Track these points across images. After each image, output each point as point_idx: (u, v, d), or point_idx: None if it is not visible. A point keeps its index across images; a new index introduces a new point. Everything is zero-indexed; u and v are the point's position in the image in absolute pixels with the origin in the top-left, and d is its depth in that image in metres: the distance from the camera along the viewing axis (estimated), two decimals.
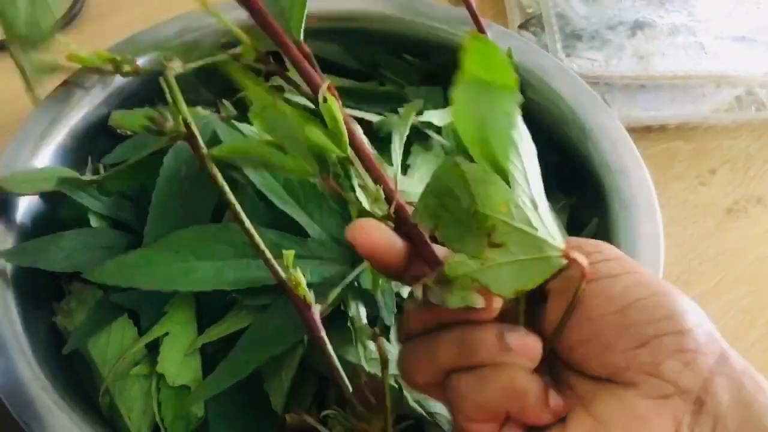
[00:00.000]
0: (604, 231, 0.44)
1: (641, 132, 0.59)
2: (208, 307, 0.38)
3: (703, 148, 0.60)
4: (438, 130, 0.48)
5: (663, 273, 0.41)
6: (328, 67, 0.47)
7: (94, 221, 0.41)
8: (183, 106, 0.39)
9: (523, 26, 0.61)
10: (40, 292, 0.41)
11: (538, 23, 0.61)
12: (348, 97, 0.50)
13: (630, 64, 0.56)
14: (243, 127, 0.44)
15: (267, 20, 0.31)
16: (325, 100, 0.30)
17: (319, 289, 0.36)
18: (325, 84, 0.31)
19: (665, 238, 0.42)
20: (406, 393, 0.36)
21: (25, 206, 0.43)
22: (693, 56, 0.57)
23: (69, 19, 0.67)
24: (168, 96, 0.40)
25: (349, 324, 0.37)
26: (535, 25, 0.61)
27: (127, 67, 0.41)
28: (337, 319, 0.36)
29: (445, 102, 0.52)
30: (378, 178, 0.31)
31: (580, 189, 0.47)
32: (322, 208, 0.40)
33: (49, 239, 0.40)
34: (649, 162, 0.46)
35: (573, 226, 0.47)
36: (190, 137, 0.39)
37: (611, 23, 0.58)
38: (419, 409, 0.36)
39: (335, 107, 0.31)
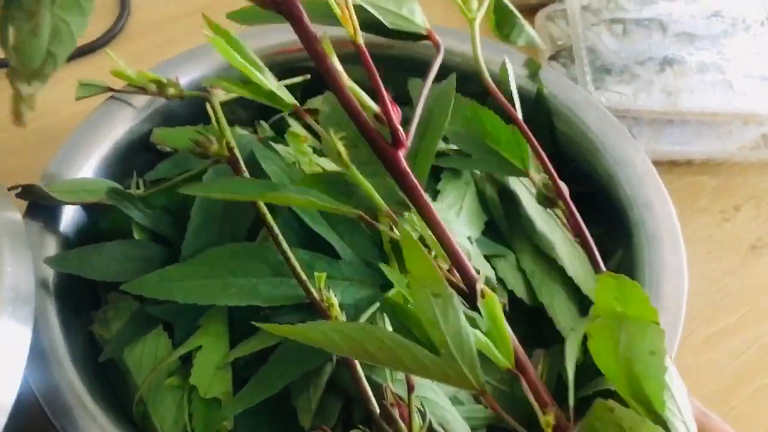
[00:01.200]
0: (629, 263, 0.44)
1: (667, 166, 0.60)
2: (241, 322, 0.39)
3: (728, 184, 0.61)
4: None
5: (686, 307, 0.42)
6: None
7: (137, 233, 0.42)
8: (227, 131, 0.41)
9: (553, 58, 0.63)
10: (79, 301, 0.43)
11: (568, 55, 0.62)
12: None
13: (658, 99, 0.57)
14: (279, 148, 0.45)
15: None
16: (483, 295, 0.28)
17: (350, 310, 0.38)
18: (481, 280, 0.29)
19: (688, 272, 0.43)
20: (429, 416, 0.36)
21: (68, 216, 0.45)
22: (721, 94, 0.58)
23: (110, 37, 0.69)
24: (213, 120, 0.42)
25: None
26: (565, 57, 0.62)
27: (171, 90, 0.43)
28: None
29: None
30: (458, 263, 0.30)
31: (605, 220, 0.48)
32: (353, 231, 0.41)
33: (92, 248, 0.41)
34: (674, 196, 0.46)
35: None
36: (233, 161, 0.41)
37: (640, 59, 0.59)
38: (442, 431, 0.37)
39: (497, 309, 0.28)
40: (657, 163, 0.49)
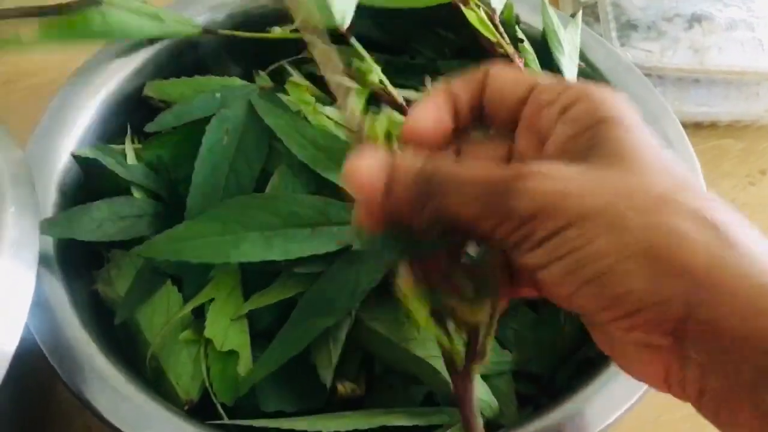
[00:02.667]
0: None
1: (691, 128, 0.58)
2: (254, 273, 0.38)
3: (753, 147, 0.59)
4: None
5: None
6: (358, 41, 0.46)
7: (135, 191, 0.41)
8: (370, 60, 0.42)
9: (575, 15, 0.60)
10: (80, 260, 0.41)
11: (592, 13, 0.60)
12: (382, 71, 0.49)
13: (685, 56, 0.55)
14: (281, 96, 0.43)
15: None
16: None
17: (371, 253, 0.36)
18: None
19: None
20: (446, 377, 0.35)
21: (65, 175, 0.42)
22: (750, 52, 0.56)
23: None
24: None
25: None
26: (588, 15, 0.60)
27: None
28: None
29: None
30: None
31: None
32: None
33: (80, 210, 0.39)
34: (699, 158, 0.45)
35: None
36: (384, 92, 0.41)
37: (668, 15, 0.57)
38: None
39: None
40: (682, 125, 0.47)
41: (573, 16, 0.60)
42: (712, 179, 0.57)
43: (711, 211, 0.22)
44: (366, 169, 0.26)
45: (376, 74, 0.43)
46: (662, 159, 0.24)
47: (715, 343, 0.21)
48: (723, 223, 0.22)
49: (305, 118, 0.42)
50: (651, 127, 0.43)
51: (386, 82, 0.43)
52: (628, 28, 0.56)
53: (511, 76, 0.28)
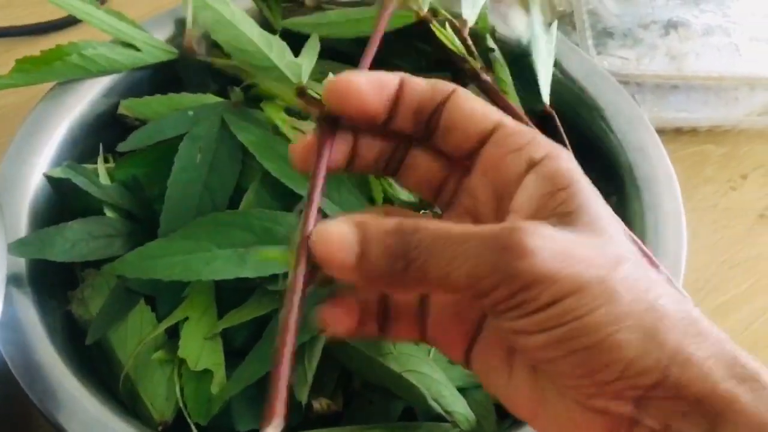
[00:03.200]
0: (622, 209, 0.43)
1: (671, 134, 0.58)
2: (228, 291, 0.37)
3: (734, 152, 0.59)
4: None
5: (686, 276, 0.40)
6: (328, 51, 0.46)
7: (107, 210, 0.40)
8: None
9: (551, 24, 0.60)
10: (54, 281, 0.40)
11: (569, 22, 0.60)
12: None
13: (662, 63, 0.55)
14: (255, 112, 0.43)
15: None
16: None
17: None
18: None
19: (693, 241, 0.41)
20: (423, 391, 0.34)
21: (37, 194, 0.42)
22: (727, 57, 0.56)
23: None
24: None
25: None
26: (565, 23, 0.60)
27: None
28: None
29: None
30: None
31: (594, 167, 0.46)
32: (340, 189, 0.39)
33: (53, 230, 0.39)
34: (679, 165, 0.45)
35: None
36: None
37: (644, 22, 0.57)
38: (437, 407, 0.35)
39: None
40: (661, 131, 0.47)
41: (550, 24, 0.60)
42: (693, 185, 0.57)
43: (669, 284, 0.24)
44: (337, 236, 0.24)
45: None
46: (618, 224, 0.25)
47: (676, 407, 0.22)
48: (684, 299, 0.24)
49: (282, 134, 0.42)
50: (627, 136, 0.44)
51: None
52: (604, 35, 0.56)
53: (478, 107, 0.27)
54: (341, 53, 0.51)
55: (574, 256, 0.22)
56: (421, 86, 0.27)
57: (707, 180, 0.57)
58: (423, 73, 0.51)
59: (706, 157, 0.58)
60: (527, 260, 0.22)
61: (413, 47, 0.54)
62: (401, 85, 0.27)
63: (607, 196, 0.43)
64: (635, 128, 0.45)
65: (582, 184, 0.24)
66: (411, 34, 0.53)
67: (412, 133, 0.28)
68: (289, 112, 0.45)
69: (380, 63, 0.53)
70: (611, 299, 0.22)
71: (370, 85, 0.26)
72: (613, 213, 0.25)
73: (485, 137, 0.26)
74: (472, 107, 0.27)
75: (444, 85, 0.27)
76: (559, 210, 0.24)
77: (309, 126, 0.43)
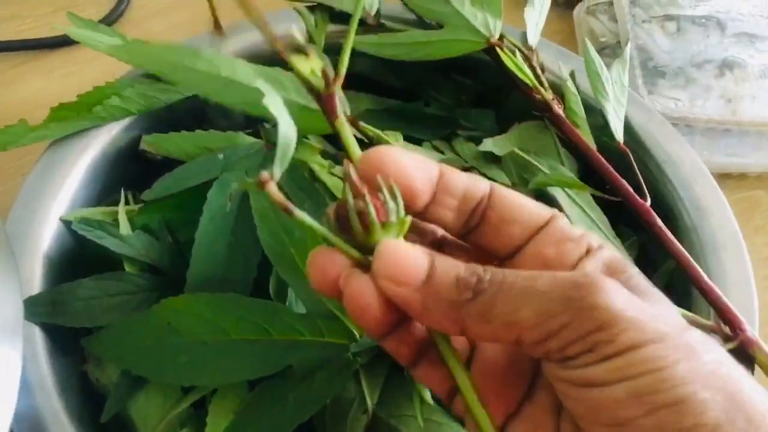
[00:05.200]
0: (682, 276, 0.39)
1: (720, 179, 0.54)
2: None
3: None
4: (497, 158, 0.44)
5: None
6: (366, 84, 0.43)
7: (127, 265, 0.37)
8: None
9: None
10: (69, 331, 0.37)
11: (612, 53, 0.57)
12: (392, 119, 0.46)
13: (717, 106, 0.52)
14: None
15: None
16: None
17: None
18: None
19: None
20: None
21: (54, 241, 0.39)
22: None
23: (110, 21, 0.63)
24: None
25: None
26: (608, 56, 0.57)
27: None
28: None
29: (496, 126, 0.48)
30: None
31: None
32: None
33: (66, 288, 0.36)
34: None
35: (644, 265, 0.43)
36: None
37: (697, 60, 0.53)
38: None
39: None
40: None
41: None
42: (743, 235, 0.53)
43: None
44: (409, 252, 0.23)
45: None
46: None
47: None
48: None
49: (319, 181, 0.39)
50: (686, 192, 0.41)
51: None
52: (655, 74, 0.52)
53: (526, 201, 0.26)
54: (368, 80, 0.48)
55: (649, 311, 0.21)
56: (463, 177, 0.26)
57: (758, 229, 0.54)
58: (463, 108, 0.49)
59: (757, 204, 0.55)
60: (604, 296, 0.21)
61: (453, 80, 0.51)
62: (441, 173, 0.25)
63: (664, 258, 0.41)
64: (696, 186, 0.41)
65: (637, 272, 0.24)
66: (450, 66, 0.50)
67: (450, 225, 0.26)
68: (324, 155, 0.41)
69: (413, 95, 0.51)
70: (691, 355, 0.20)
71: (414, 162, 0.25)
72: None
73: (538, 230, 0.25)
74: (520, 201, 0.26)
75: (481, 179, 0.26)
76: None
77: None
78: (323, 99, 0.24)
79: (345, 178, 0.24)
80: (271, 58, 0.40)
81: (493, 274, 0.22)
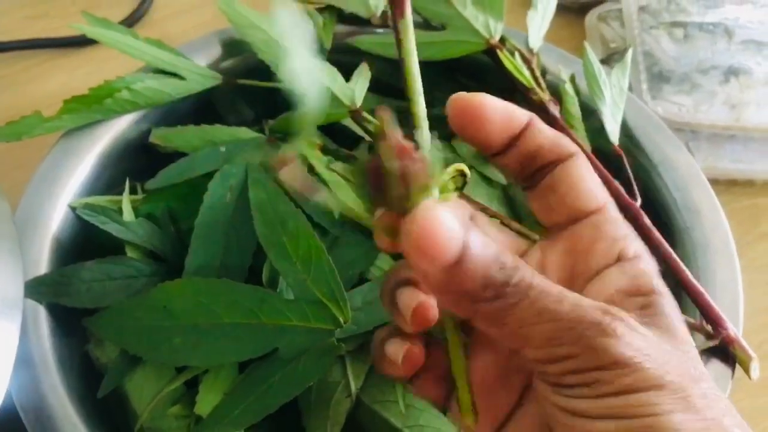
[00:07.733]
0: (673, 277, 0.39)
1: (726, 185, 0.55)
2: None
3: None
4: None
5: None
6: (371, 84, 0.44)
7: (129, 250, 0.38)
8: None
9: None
10: (73, 311, 0.38)
11: (621, 59, 0.57)
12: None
13: (721, 112, 0.52)
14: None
15: None
16: None
17: None
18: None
19: (747, 303, 0.38)
20: None
21: (61, 224, 0.40)
22: None
23: (132, 21, 0.65)
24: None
25: None
26: (618, 61, 0.57)
27: None
28: None
29: None
30: None
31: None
32: None
33: (70, 271, 0.37)
34: (733, 219, 0.42)
35: None
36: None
37: (703, 66, 0.53)
38: None
39: None
40: (714, 182, 0.44)
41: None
42: (747, 242, 0.53)
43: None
44: (447, 228, 0.21)
45: None
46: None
47: None
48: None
49: (317, 175, 0.40)
50: (683, 195, 0.42)
51: None
52: (659, 79, 0.53)
53: (591, 183, 0.26)
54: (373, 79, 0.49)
55: (658, 357, 0.21)
56: (547, 134, 0.26)
57: (763, 236, 0.54)
58: None
59: (763, 211, 0.55)
60: (615, 343, 0.21)
61: (457, 81, 0.52)
62: (528, 125, 0.26)
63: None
64: (691, 188, 0.42)
65: (664, 292, 0.24)
66: (454, 67, 0.50)
67: (514, 174, 0.27)
68: (324, 151, 0.43)
69: None
70: (689, 408, 0.21)
71: (500, 115, 0.26)
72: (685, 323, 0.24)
73: (583, 215, 0.25)
74: (585, 180, 0.26)
75: (569, 145, 0.26)
76: (634, 308, 0.23)
77: (344, 168, 0.41)
78: None
79: (379, 133, 0.22)
80: None
81: (522, 279, 0.21)
